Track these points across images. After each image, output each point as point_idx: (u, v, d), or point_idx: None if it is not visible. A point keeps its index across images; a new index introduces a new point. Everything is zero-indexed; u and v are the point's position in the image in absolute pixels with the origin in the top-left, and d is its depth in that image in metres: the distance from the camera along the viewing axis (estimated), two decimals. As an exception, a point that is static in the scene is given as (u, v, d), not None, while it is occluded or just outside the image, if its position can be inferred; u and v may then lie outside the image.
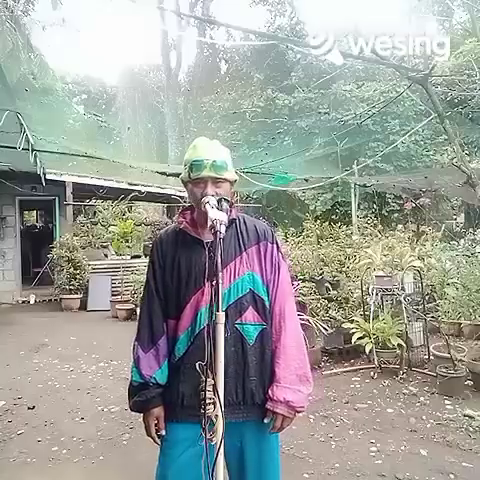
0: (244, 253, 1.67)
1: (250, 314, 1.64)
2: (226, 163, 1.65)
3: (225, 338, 1.53)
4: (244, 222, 1.75)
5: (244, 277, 1.65)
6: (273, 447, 1.74)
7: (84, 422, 3.84)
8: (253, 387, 1.63)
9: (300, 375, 1.66)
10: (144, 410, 1.68)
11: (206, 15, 19.21)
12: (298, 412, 1.67)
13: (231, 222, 1.68)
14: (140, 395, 1.66)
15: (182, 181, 1.71)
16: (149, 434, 1.68)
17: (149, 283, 1.76)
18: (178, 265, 1.67)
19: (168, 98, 20.57)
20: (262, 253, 1.70)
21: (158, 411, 1.66)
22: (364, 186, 11.04)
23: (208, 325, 1.53)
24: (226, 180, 1.65)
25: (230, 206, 1.71)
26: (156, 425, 1.67)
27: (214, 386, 1.45)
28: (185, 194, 9.45)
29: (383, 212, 12.48)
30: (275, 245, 1.74)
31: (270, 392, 1.64)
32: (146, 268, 1.82)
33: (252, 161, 10.33)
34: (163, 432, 1.66)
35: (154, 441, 1.68)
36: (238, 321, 1.62)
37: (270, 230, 1.78)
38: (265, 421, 1.65)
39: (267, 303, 1.69)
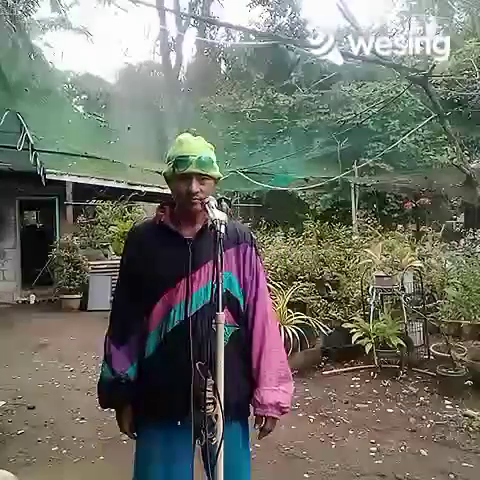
0: (223, 253, 1.63)
1: (225, 315, 1.60)
2: (211, 160, 1.63)
3: (196, 337, 1.53)
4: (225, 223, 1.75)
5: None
6: (247, 452, 1.75)
7: (84, 422, 3.84)
8: (232, 386, 1.58)
9: (283, 377, 1.67)
10: (118, 406, 1.68)
11: (206, 15, 19.21)
12: (285, 412, 1.69)
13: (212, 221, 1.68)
14: (113, 391, 1.64)
15: (165, 177, 1.68)
16: (123, 430, 1.68)
17: (123, 276, 1.73)
18: (154, 259, 1.64)
19: (168, 98, 20.56)
20: (241, 255, 1.69)
21: (131, 409, 1.66)
22: (364, 186, 11.05)
23: (181, 322, 1.55)
24: (211, 177, 1.63)
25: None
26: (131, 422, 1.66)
27: (214, 386, 1.45)
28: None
29: (383, 212, 12.47)
30: (254, 248, 1.73)
31: (258, 397, 1.63)
32: (120, 260, 1.78)
33: (252, 161, 10.34)
34: (135, 434, 1.66)
35: (129, 436, 1.68)
36: (212, 321, 1.59)
37: (250, 233, 1.77)
38: (255, 428, 1.66)
39: (242, 305, 1.67)
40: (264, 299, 1.72)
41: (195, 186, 1.58)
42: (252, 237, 1.76)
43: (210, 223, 1.48)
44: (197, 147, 1.63)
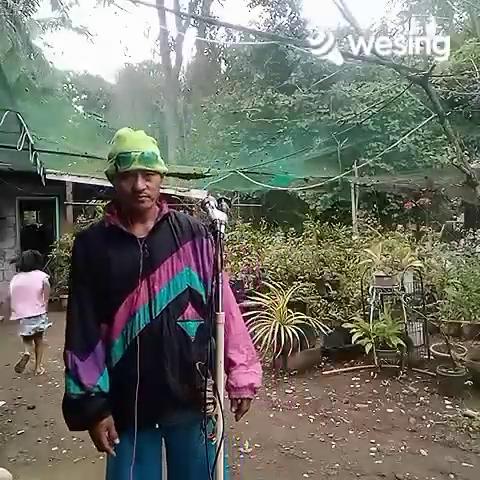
0: (180, 249, 1.63)
1: (190, 310, 1.61)
2: (155, 154, 1.58)
3: (165, 337, 1.53)
4: (177, 217, 1.70)
5: (182, 273, 1.61)
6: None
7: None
8: (200, 382, 1.55)
9: (251, 359, 1.70)
10: (92, 423, 1.52)
11: (206, 15, 19.20)
12: (256, 392, 1.72)
13: (164, 217, 1.65)
14: (86, 408, 1.50)
15: (107, 175, 1.61)
16: (102, 448, 1.54)
17: (75, 285, 1.62)
18: (108, 263, 1.55)
19: (168, 98, 20.55)
20: (198, 248, 1.66)
21: (108, 421, 1.53)
22: (364, 186, 11.04)
23: (147, 325, 1.52)
24: (156, 172, 1.58)
25: (160, 200, 1.68)
26: (109, 435, 1.54)
27: (214, 386, 1.45)
28: (185, 194, 9.38)
29: (383, 212, 12.47)
30: (210, 240, 1.66)
31: (232, 381, 1.64)
32: (69, 270, 1.71)
33: (252, 161, 10.33)
34: (117, 441, 1.55)
35: (108, 453, 1.56)
36: (180, 318, 1.58)
37: (203, 225, 1.72)
38: (232, 410, 1.66)
39: (204, 298, 1.65)
40: (225, 289, 1.63)
41: (141, 183, 1.53)
42: (206, 229, 1.70)
43: (210, 223, 1.48)
44: (139, 142, 1.56)
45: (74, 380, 1.51)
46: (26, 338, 5.24)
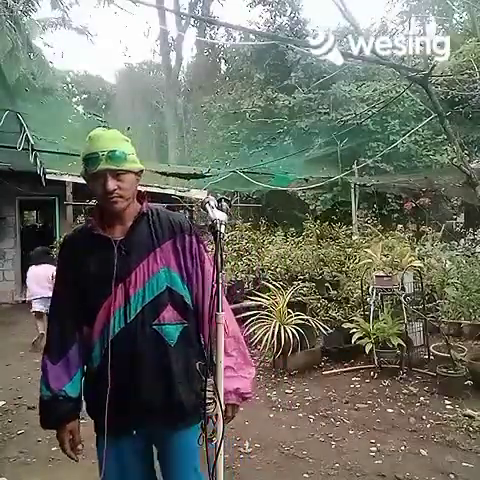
0: (158, 249, 1.56)
1: (169, 313, 1.54)
2: (125, 153, 1.51)
3: (140, 342, 1.48)
4: (158, 215, 1.63)
5: (159, 274, 1.54)
6: (195, 457, 1.64)
7: (84, 422, 3.82)
8: (180, 390, 1.53)
9: (241, 363, 1.63)
10: (57, 426, 1.59)
11: (206, 15, 19.20)
12: (246, 399, 1.64)
13: (142, 216, 1.60)
14: (51, 411, 1.57)
15: (83, 177, 1.59)
16: (64, 451, 1.60)
17: (58, 287, 1.64)
18: (88, 266, 1.55)
19: (168, 98, 20.56)
20: (179, 247, 1.59)
21: (72, 426, 1.59)
22: (364, 186, 11.05)
23: (122, 329, 1.49)
24: (128, 171, 1.53)
25: (142, 198, 1.64)
26: (72, 441, 1.60)
27: (214, 386, 1.45)
28: (185, 194, 9.40)
29: (383, 212, 12.47)
30: (194, 237, 1.62)
31: None
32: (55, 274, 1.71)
33: (252, 161, 10.33)
34: (80, 446, 1.61)
35: (71, 458, 1.61)
36: (155, 322, 1.52)
37: (187, 222, 1.66)
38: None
39: (188, 300, 1.59)
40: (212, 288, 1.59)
41: (111, 184, 1.48)
42: (190, 226, 1.65)
43: (210, 223, 1.45)
44: (108, 141, 1.51)
45: (44, 383, 1.57)
46: (39, 314, 6.05)
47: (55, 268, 1.73)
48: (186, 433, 1.58)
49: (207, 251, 1.68)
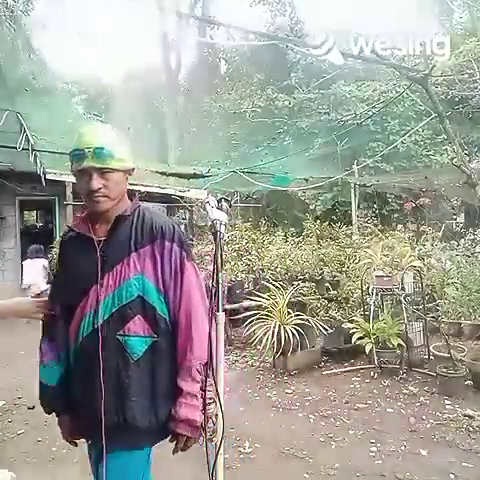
0: (134, 254, 1.46)
1: (136, 325, 1.43)
2: (112, 151, 1.43)
3: (102, 352, 1.40)
4: (143, 217, 1.52)
5: (130, 281, 1.43)
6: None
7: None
8: (134, 411, 1.42)
9: (196, 393, 1.48)
10: (50, 411, 1.62)
11: (206, 15, 19.21)
12: (197, 430, 1.49)
13: (124, 217, 1.51)
14: (45, 394, 1.59)
15: (73, 174, 1.53)
16: (64, 437, 1.65)
17: (52, 285, 1.70)
18: (71, 266, 1.54)
19: (168, 98, 20.57)
20: (157, 254, 1.47)
21: (64, 418, 1.61)
22: (364, 186, 11.05)
23: (90, 332, 1.43)
24: (115, 170, 1.45)
25: (129, 198, 1.57)
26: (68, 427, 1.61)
27: (215, 386, 1.44)
28: (185, 194, 9.37)
29: (383, 212, 12.47)
30: (176, 244, 1.49)
31: (173, 411, 1.46)
32: None
33: (252, 161, 10.32)
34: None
35: (70, 443, 1.66)
36: (120, 332, 1.42)
37: (171, 226, 1.52)
38: (169, 441, 1.50)
39: (161, 312, 1.46)
40: (189, 304, 1.47)
41: (96, 182, 1.42)
42: (174, 231, 1.51)
43: (210, 223, 1.45)
44: (95, 137, 1.44)
45: (41, 363, 1.58)
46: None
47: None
48: (133, 456, 1.46)
49: (193, 260, 1.55)
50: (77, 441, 1.66)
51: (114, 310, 1.43)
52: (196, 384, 1.46)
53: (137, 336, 1.43)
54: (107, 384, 1.40)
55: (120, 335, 1.42)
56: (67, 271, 1.57)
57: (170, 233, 1.50)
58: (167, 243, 1.48)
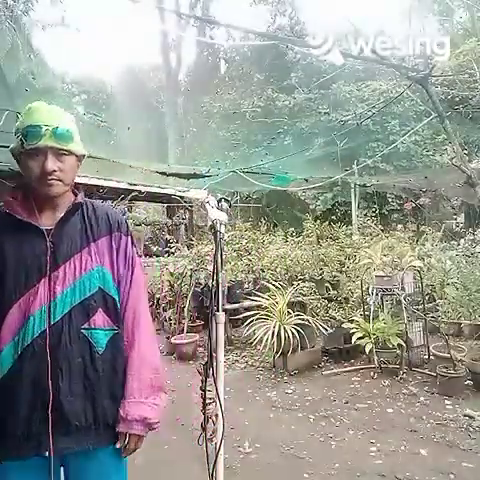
0: (93, 244, 1.40)
1: (100, 317, 1.38)
2: (71, 132, 1.37)
3: (64, 348, 1.30)
4: (93, 209, 1.47)
5: (93, 273, 1.38)
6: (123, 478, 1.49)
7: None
8: (105, 405, 1.36)
9: (156, 386, 1.45)
10: None
11: (206, 15, 19.21)
12: (153, 429, 1.44)
13: (76, 207, 1.43)
14: None
15: (13, 154, 1.41)
16: None
17: None
18: (4, 258, 1.33)
19: (168, 98, 20.58)
20: (114, 246, 1.45)
21: None
22: (364, 186, 11.05)
23: (42, 332, 1.29)
24: (71, 153, 1.37)
25: (76, 188, 1.48)
26: None
27: (215, 386, 1.44)
28: (185, 194, 9.36)
29: (383, 212, 12.48)
30: (129, 238, 1.49)
31: (122, 411, 1.39)
32: None
33: (252, 161, 10.32)
34: None
35: None
36: (85, 326, 1.35)
37: (125, 221, 1.52)
38: (117, 446, 1.40)
39: (119, 303, 1.44)
40: (137, 296, 1.47)
41: (51, 163, 1.32)
42: (127, 225, 1.52)
43: (210, 223, 1.46)
44: (53, 116, 1.35)
45: None
46: None
47: None
48: (106, 454, 1.40)
49: (139, 256, 1.55)
50: None
51: (75, 304, 1.34)
52: (143, 382, 1.42)
53: (101, 329, 1.37)
54: (73, 384, 1.31)
55: (86, 329, 1.35)
56: None
57: (126, 227, 1.49)
58: (123, 237, 1.47)
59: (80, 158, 1.43)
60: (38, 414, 1.28)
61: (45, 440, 1.28)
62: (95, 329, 1.36)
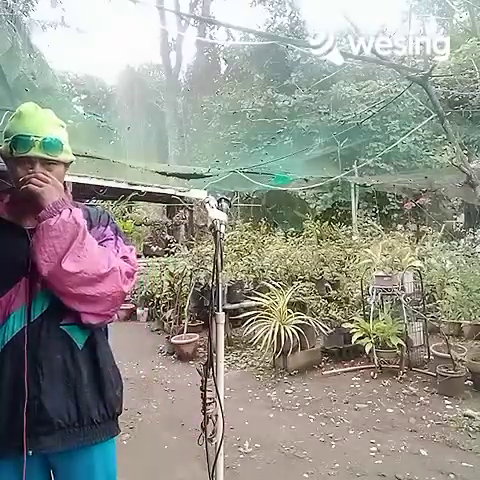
0: None
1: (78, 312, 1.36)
2: (61, 142, 1.37)
3: (44, 344, 1.30)
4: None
5: None
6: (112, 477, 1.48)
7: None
8: (89, 402, 1.35)
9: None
10: None
11: (206, 15, 19.21)
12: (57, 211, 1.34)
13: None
14: None
15: (1, 155, 1.39)
16: None
17: None
18: None
19: (168, 98, 20.59)
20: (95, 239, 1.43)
21: None
22: (364, 186, 11.06)
23: (22, 329, 1.29)
24: (60, 162, 1.38)
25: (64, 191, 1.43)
26: None
27: (215, 386, 1.44)
28: (185, 194, 9.36)
29: (383, 212, 12.49)
30: (109, 227, 1.47)
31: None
32: None
33: (252, 161, 10.33)
34: None
35: None
36: (63, 321, 1.34)
37: (106, 214, 1.52)
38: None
39: None
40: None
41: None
42: (108, 217, 1.50)
43: (210, 223, 1.45)
44: (43, 125, 1.35)
45: None
46: None
47: None
48: (93, 452, 1.38)
49: (128, 244, 1.51)
50: None
51: (54, 300, 1.32)
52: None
53: (80, 325, 1.36)
54: (55, 381, 1.31)
55: (64, 325, 1.34)
56: None
57: (106, 219, 1.49)
58: (102, 227, 1.46)
59: (68, 164, 1.44)
60: (19, 413, 1.27)
61: (28, 440, 1.27)
62: (74, 324, 1.34)
